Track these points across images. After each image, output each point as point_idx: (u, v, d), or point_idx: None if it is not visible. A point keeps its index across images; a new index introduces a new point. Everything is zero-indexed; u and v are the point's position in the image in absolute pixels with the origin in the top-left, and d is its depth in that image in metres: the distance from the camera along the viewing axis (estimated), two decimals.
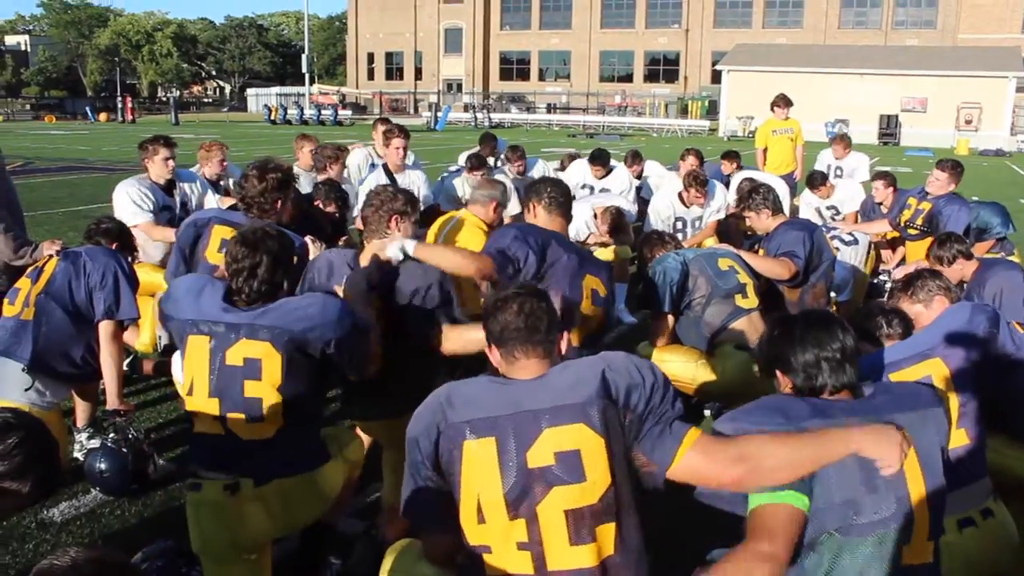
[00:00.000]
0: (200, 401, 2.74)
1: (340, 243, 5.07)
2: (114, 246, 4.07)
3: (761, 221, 4.97)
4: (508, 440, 2.05)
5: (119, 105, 47.66)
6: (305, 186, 5.92)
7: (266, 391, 2.67)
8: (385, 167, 6.91)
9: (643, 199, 8.33)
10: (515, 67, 64.05)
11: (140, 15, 77.39)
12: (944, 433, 2.13)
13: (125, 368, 5.16)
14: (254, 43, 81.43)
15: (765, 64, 43.89)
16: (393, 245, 3.16)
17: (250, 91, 67.88)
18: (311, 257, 3.71)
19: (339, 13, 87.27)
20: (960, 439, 2.71)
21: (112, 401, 3.87)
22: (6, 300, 3.92)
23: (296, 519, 2.85)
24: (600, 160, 8.09)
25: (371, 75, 66.73)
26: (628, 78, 60.42)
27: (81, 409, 4.31)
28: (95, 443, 3.98)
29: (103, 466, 3.78)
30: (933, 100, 40.86)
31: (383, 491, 3.51)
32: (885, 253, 7.41)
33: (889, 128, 40.15)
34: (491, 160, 8.15)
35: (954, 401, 2.73)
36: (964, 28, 50.41)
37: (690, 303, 4.36)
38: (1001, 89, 40.10)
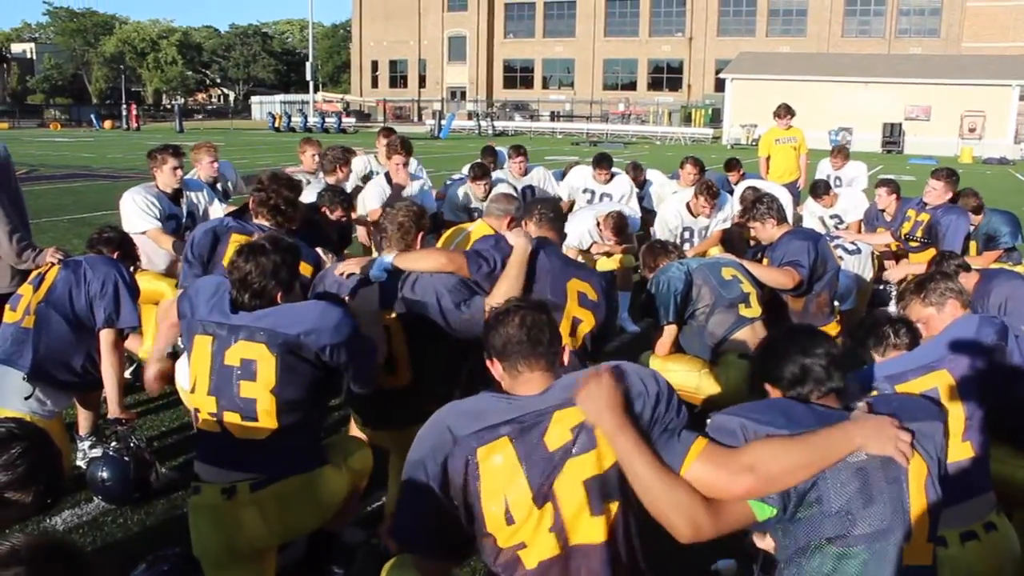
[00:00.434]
0: (200, 398, 2.82)
1: (346, 253, 5.08)
2: (115, 255, 4.08)
3: (766, 231, 4.96)
4: (522, 434, 2.07)
5: (124, 113, 47.88)
6: (308, 192, 5.91)
7: (260, 392, 2.73)
8: (387, 175, 6.92)
9: (645, 208, 8.33)
10: (519, 75, 64.21)
11: (145, 23, 77.77)
12: (941, 447, 2.13)
13: (128, 376, 5.18)
14: (258, 51, 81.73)
15: (768, 72, 43.94)
16: (376, 264, 3.35)
17: (254, 99, 68.22)
18: (325, 265, 3.76)
19: (343, 21, 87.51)
20: (965, 452, 2.69)
21: (113, 410, 3.87)
22: (8, 306, 3.93)
23: (294, 525, 2.87)
24: (605, 163, 8.10)
25: (375, 83, 66.95)
26: (632, 86, 60.54)
27: (83, 418, 4.31)
28: (97, 452, 3.98)
29: (105, 475, 3.78)
30: (937, 108, 40.87)
31: (386, 500, 3.51)
32: (888, 264, 7.40)
33: (893, 136, 40.17)
34: (498, 172, 8.15)
35: (960, 414, 2.71)
36: (968, 36, 50.45)
37: (694, 313, 4.35)
38: (1005, 97, 40.10)
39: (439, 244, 5.32)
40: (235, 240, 4.01)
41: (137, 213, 5.30)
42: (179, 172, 5.49)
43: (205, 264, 3.80)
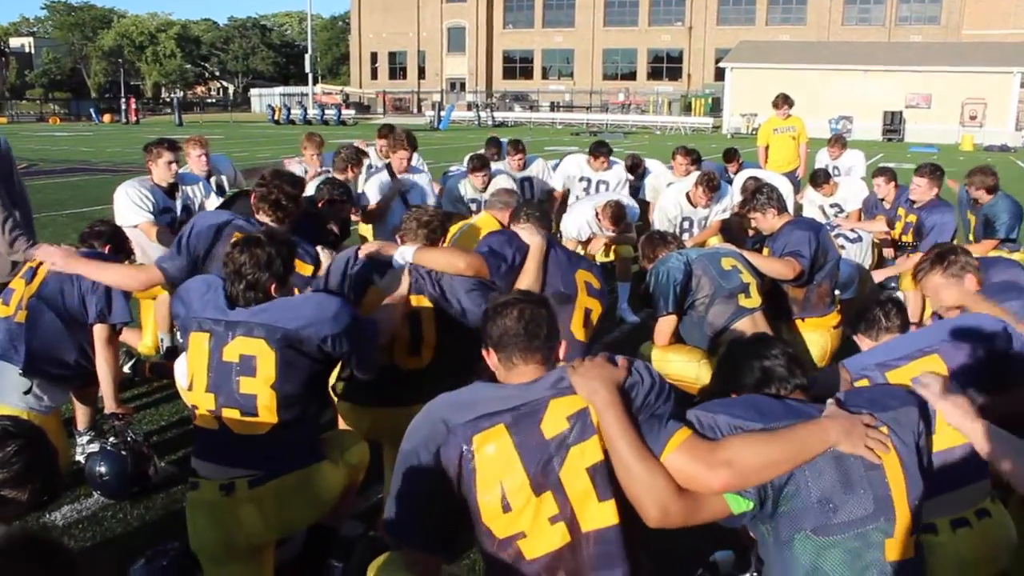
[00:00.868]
0: (198, 396, 2.81)
1: (344, 246, 5.08)
2: (107, 248, 4.07)
3: (767, 221, 4.95)
4: (518, 421, 2.08)
5: (123, 106, 47.78)
6: (308, 187, 5.91)
7: (260, 388, 2.73)
8: (388, 167, 6.91)
9: (641, 200, 8.32)
10: (518, 66, 64.08)
11: (144, 16, 77.46)
12: (919, 432, 2.12)
13: (127, 371, 5.18)
14: (257, 43, 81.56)
15: (768, 61, 43.85)
16: (394, 257, 3.44)
17: (253, 91, 68.05)
18: (324, 265, 3.76)
19: (342, 13, 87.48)
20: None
21: (109, 404, 3.87)
22: (0, 300, 3.92)
23: (292, 521, 2.87)
24: (602, 150, 8.10)
25: (374, 74, 66.83)
26: (631, 76, 60.42)
27: (81, 413, 4.30)
28: (95, 447, 3.97)
29: (103, 470, 3.78)
30: (937, 96, 40.78)
31: (385, 494, 3.50)
32: (888, 252, 7.39)
33: (893, 125, 40.10)
34: (497, 164, 8.13)
35: None
36: (968, 23, 50.29)
37: (693, 303, 4.34)
38: (1006, 84, 40.00)
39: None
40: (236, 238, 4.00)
41: (129, 206, 5.29)
42: (174, 166, 5.48)
43: (196, 258, 3.72)
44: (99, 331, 3.81)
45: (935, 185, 6.42)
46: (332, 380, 3.39)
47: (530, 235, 3.72)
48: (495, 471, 2.07)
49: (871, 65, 42.66)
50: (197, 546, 2.84)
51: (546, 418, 2.08)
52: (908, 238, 6.50)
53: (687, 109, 49.21)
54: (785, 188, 7.79)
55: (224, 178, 6.57)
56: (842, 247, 6.58)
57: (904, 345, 2.82)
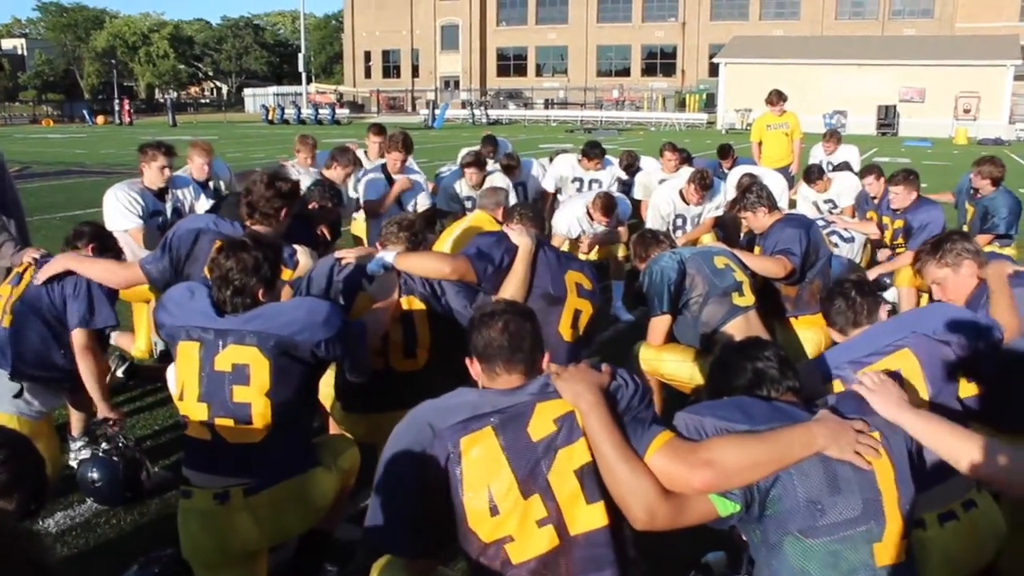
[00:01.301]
0: (190, 406, 2.77)
1: (334, 247, 5.06)
2: (90, 248, 4.01)
3: (757, 219, 4.94)
4: (505, 424, 2.08)
5: (116, 108, 47.65)
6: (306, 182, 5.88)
7: (254, 396, 2.70)
8: (383, 168, 6.90)
9: (632, 199, 8.30)
10: (512, 63, 64.00)
11: (136, 17, 77.27)
12: (912, 437, 2.12)
13: (120, 375, 5.16)
14: (250, 43, 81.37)
15: (762, 56, 43.84)
16: (375, 260, 3.40)
17: (247, 91, 67.88)
18: (302, 265, 3.70)
19: (335, 12, 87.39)
20: None
21: (102, 409, 3.83)
22: None
23: (286, 528, 2.86)
24: (595, 151, 8.09)
25: (368, 73, 66.69)
26: (625, 72, 60.38)
27: (75, 418, 4.29)
28: (86, 453, 3.95)
29: (95, 476, 3.75)
30: (931, 90, 40.82)
31: None
32: (881, 254, 7.39)
33: (887, 119, 40.11)
34: (491, 162, 8.11)
35: (924, 394, 2.67)
36: (961, 17, 50.31)
37: (687, 302, 4.33)
38: (999, 78, 40.05)
39: (439, 241, 5.37)
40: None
41: (119, 211, 5.28)
42: (167, 171, 5.47)
43: (178, 261, 3.70)
44: (77, 336, 3.73)
45: (912, 188, 6.37)
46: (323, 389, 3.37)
47: (519, 236, 3.70)
48: (482, 474, 2.06)
49: (865, 59, 42.68)
50: (190, 554, 2.82)
51: (533, 421, 2.08)
52: (900, 242, 6.48)
53: (681, 105, 49.17)
54: (779, 184, 7.80)
55: (222, 182, 6.57)
56: (835, 245, 6.58)
57: (875, 340, 2.80)
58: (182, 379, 2.79)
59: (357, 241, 7.11)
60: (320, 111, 46.30)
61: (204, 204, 5.75)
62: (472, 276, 3.50)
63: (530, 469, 2.05)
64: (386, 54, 66.48)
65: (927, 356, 2.71)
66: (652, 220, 7.05)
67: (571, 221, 6.80)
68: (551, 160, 8.77)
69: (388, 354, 3.39)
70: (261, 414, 2.71)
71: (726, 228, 7.34)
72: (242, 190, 3.88)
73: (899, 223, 6.46)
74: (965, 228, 6.69)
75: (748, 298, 4.36)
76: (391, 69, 66.37)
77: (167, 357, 5.03)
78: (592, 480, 2.05)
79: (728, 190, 7.38)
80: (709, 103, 47.55)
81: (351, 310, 3.36)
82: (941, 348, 2.73)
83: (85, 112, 49.83)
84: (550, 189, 8.29)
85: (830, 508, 1.99)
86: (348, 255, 3.51)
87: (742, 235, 6.72)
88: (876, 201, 7.31)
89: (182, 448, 3.91)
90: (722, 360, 2.46)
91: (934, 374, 2.70)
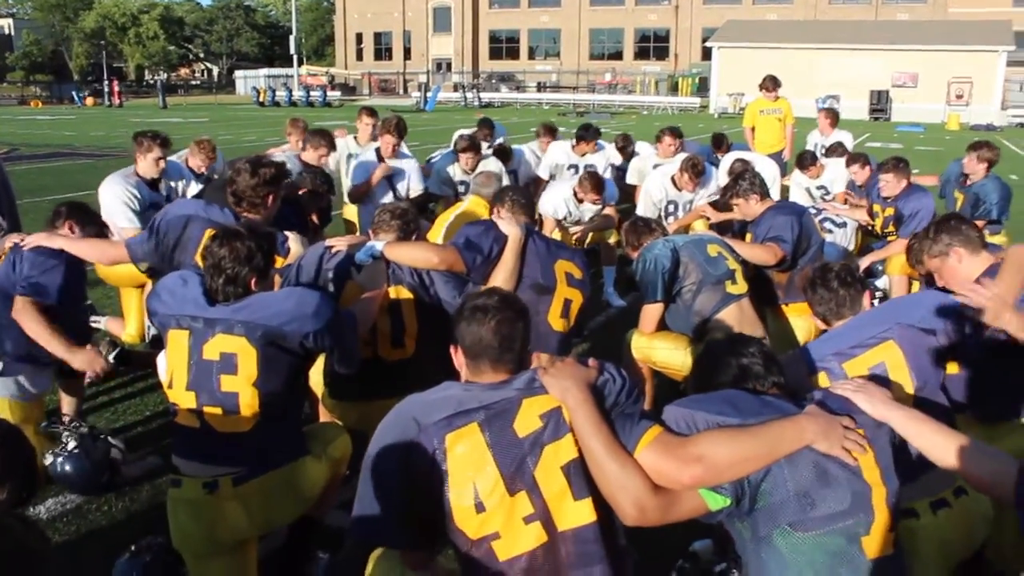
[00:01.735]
0: (179, 394, 2.78)
1: (325, 233, 5.04)
2: (68, 226, 3.90)
3: (749, 207, 4.93)
4: (491, 420, 2.06)
5: (106, 89, 47.27)
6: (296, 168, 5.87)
7: (241, 385, 2.70)
8: (377, 151, 6.86)
9: (627, 184, 8.29)
10: (504, 46, 63.65)
11: None
12: (894, 432, 2.14)
13: (111, 361, 5.14)
14: (241, 24, 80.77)
15: (756, 40, 43.73)
16: (364, 249, 3.38)
17: (238, 73, 67.48)
18: (292, 252, 3.68)
19: None
20: None
21: (68, 358, 3.63)
22: None
23: (275, 517, 2.86)
24: (588, 135, 8.05)
25: (360, 55, 66.27)
26: (618, 56, 60.15)
27: (67, 403, 4.28)
28: (49, 459, 3.84)
29: (68, 469, 3.72)
30: (924, 75, 40.79)
31: None
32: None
33: (880, 104, 40.12)
34: (484, 145, 8.07)
35: (908, 387, 2.67)
36: (954, 2, 50.22)
37: (680, 290, 4.32)
38: (991, 63, 40.04)
39: (433, 227, 5.36)
40: (209, 235, 3.93)
41: (119, 208, 5.29)
42: (162, 163, 5.46)
43: (165, 246, 3.66)
44: (17, 302, 3.56)
45: (903, 176, 6.36)
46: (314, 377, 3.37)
47: (508, 226, 3.68)
48: (468, 470, 2.05)
49: (858, 44, 42.60)
50: (179, 543, 2.82)
51: (519, 417, 2.06)
52: (891, 229, 6.48)
53: (674, 89, 49.07)
54: (772, 171, 7.79)
55: (216, 174, 6.55)
56: (829, 231, 6.59)
57: (859, 331, 2.78)
58: (172, 367, 2.80)
59: (349, 226, 7.08)
60: (311, 93, 46.04)
61: (194, 189, 5.74)
62: (461, 266, 3.49)
63: (516, 466, 2.03)
64: (378, 36, 66.04)
65: (912, 347, 2.70)
66: (643, 206, 7.02)
67: (557, 202, 6.77)
68: (536, 134, 8.70)
69: (376, 343, 3.39)
70: (249, 404, 2.70)
71: (723, 209, 7.33)
72: (227, 178, 3.85)
73: (890, 211, 6.45)
74: (959, 205, 6.70)
75: (741, 286, 4.36)
76: (383, 51, 65.97)
77: (158, 343, 5.01)
78: (579, 476, 2.03)
79: (721, 176, 7.37)
80: (702, 87, 47.45)
81: (340, 299, 3.35)
82: (926, 338, 2.72)
83: (74, 93, 49.46)
84: (544, 176, 8.26)
85: (820, 501, 2.00)
86: (338, 243, 3.49)
87: (736, 222, 6.73)
88: (862, 189, 7.32)
89: (172, 434, 3.91)
90: (707, 356, 2.46)
91: (920, 365, 2.69)
